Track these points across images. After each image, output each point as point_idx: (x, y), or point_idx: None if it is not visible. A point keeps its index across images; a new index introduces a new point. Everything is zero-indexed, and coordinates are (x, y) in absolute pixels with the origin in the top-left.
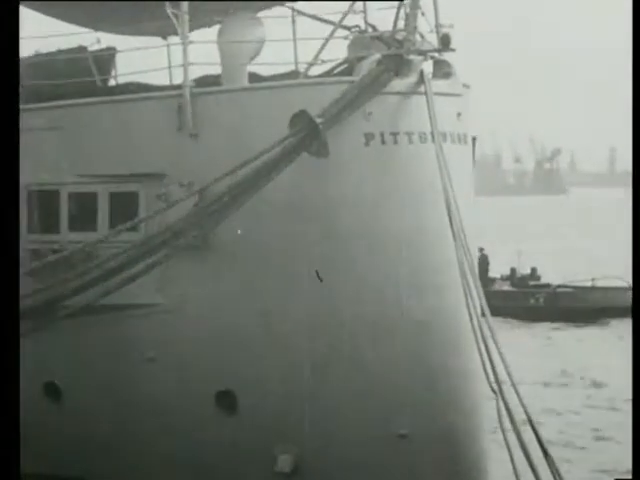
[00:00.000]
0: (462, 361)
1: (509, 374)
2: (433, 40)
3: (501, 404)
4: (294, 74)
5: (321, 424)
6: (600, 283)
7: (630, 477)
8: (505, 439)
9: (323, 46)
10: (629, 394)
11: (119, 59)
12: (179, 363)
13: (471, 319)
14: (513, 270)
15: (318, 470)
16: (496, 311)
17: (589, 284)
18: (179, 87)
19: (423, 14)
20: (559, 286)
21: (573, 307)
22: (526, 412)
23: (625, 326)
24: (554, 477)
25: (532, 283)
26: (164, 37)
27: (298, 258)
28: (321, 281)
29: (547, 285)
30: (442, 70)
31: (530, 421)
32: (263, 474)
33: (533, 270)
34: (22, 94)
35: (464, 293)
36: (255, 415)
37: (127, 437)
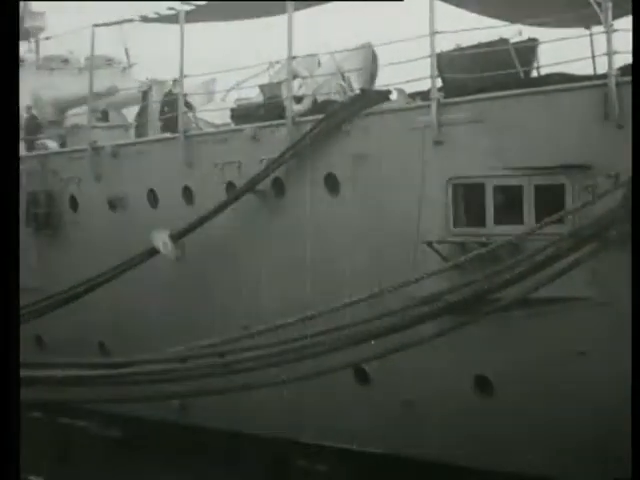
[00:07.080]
0: None
1: None
2: None
3: None
4: None
5: None
6: None
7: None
8: None
9: None
10: None
11: (541, 50)
12: (612, 358)
13: None
14: None
15: None
16: None
17: None
18: (604, 77)
19: None
20: None
21: None
22: None
23: None
24: None
25: None
26: (587, 27)
27: None
28: None
29: None
30: None
31: None
32: None
33: None
34: (444, 88)
35: None
36: None
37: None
